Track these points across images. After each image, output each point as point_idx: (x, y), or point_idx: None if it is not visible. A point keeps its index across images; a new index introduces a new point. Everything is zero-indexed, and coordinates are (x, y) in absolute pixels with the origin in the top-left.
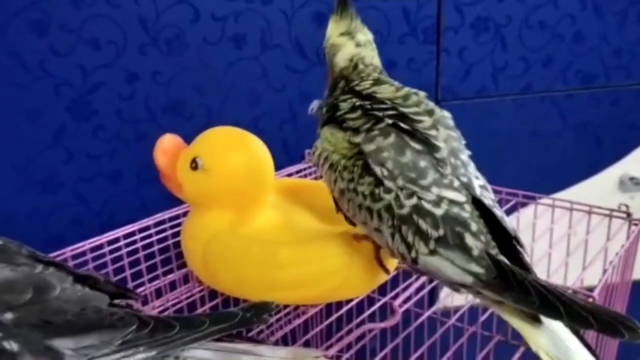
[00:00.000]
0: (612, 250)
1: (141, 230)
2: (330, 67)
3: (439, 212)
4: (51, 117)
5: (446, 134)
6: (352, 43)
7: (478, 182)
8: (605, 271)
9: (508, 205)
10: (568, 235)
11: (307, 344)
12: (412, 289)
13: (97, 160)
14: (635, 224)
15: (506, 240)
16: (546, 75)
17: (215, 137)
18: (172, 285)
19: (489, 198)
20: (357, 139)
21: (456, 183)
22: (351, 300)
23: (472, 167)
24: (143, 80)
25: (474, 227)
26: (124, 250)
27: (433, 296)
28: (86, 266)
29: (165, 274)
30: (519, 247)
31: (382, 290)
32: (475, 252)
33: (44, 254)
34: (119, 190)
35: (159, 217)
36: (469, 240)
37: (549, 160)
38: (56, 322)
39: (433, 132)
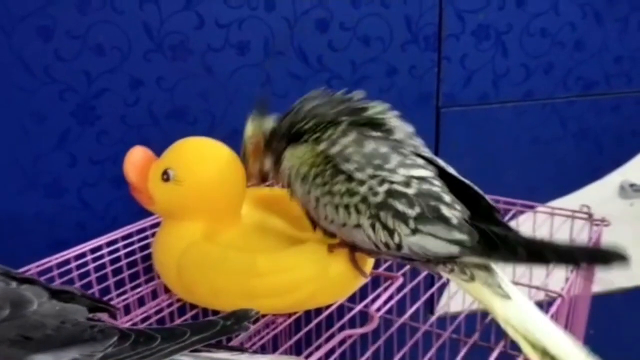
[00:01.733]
0: None
1: (109, 244)
2: (256, 152)
3: (411, 191)
4: (56, 122)
5: (398, 122)
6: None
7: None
8: (570, 275)
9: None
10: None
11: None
12: (386, 294)
13: (101, 165)
14: (597, 224)
15: (479, 206)
16: (547, 82)
17: (186, 148)
18: (141, 301)
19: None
20: (321, 147)
21: (419, 161)
22: (326, 308)
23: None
24: (147, 86)
25: (447, 198)
26: (91, 266)
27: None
28: (53, 282)
29: (133, 288)
30: (493, 211)
31: (355, 297)
32: (455, 221)
33: (16, 271)
34: (123, 195)
35: (127, 230)
36: (446, 211)
37: (550, 167)
38: (36, 337)
39: (386, 116)
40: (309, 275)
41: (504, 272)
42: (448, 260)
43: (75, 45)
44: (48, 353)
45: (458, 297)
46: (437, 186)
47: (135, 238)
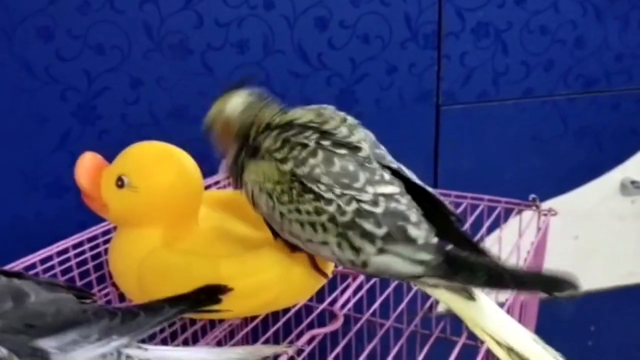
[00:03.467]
0: (525, 245)
1: (75, 247)
2: (223, 135)
3: (378, 210)
4: (57, 122)
5: (363, 134)
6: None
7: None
8: (524, 259)
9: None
10: (482, 232)
11: None
12: (349, 292)
13: None
14: (545, 214)
15: (443, 216)
16: (547, 80)
17: (140, 153)
18: (108, 303)
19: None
20: (287, 167)
21: (387, 176)
22: (290, 309)
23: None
24: (147, 85)
25: (413, 217)
26: (58, 269)
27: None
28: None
29: (100, 291)
30: (456, 223)
31: (318, 297)
32: (421, 241)
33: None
34: None
35: (93, 231)
36: (412, 231)
37: (550, 165)
38: (38, 325)
39: (352, 138)
40: (272, 278)
41: None
42: (411, 278)
43: (76, 45)
44: (51, 337)
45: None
46: (404, 204)
47: (86, 246)
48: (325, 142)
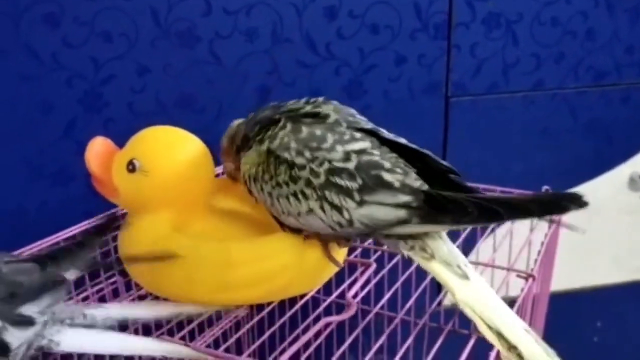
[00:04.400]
0: (536, 238)
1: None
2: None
3: (351, 165)
4: (63, 110)
5: (332, 106)
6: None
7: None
8: (537, 257)
9: None
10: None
11: (262, 346)
12: (361, 281)
13: None
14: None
15: (438, 173)
16: (557, 72)
17: (152, 138)
18: (115, 292)
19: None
20: (264, 146)
21: (357, 134)
22: (300, 298)
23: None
24: (154, 73)
25: (387, 164)
26: None
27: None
28: None
29: (107, 279)
30: (449, 174)
31: (326, 290)
32: (397, 184)
33: None
34: None
35: (100, 219)
36: (387, 176)
37: (559, 158)
38: (19, 292)
39: (318, 110)
40: (284, 264)
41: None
42: (399, 224)
43: (83, 31)
44: (31, 303)
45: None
46: (377, 155)
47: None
48: (294, 114)
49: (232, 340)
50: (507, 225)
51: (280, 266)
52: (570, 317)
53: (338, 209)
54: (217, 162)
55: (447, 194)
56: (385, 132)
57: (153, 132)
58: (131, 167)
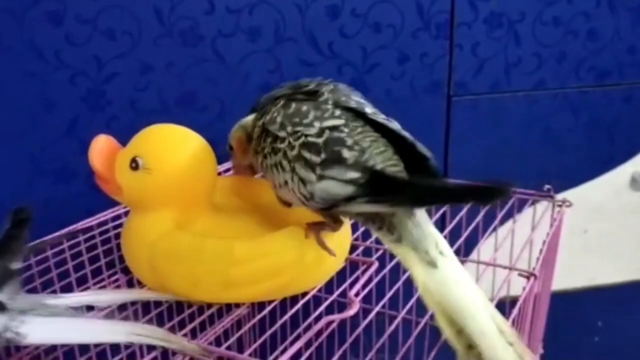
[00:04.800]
0: (538, 237)
1: (85, 231)
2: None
3: (321, 140)
4: (66, 107)
5: (332, 87)
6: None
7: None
8: (539, 256)
9: None
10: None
11: (263, 345)
12: (360, 283)
13: None
14: (559, 205)
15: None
16: (559, 72)
17: (155, 135)
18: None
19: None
20: (260, 122)
21: (337, 112)
22: (302, 297)
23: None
24: (157, 71)
25: (349, 141)
26: (68, 253)
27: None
28: (30, 270)
29: (110, 277)
30: (427, 163)
31: (328, 288)
32: (351, 161)
33: None
34: None
35: (102, 217)
36: (346, 153)
37: (561, 157)
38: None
39: (316, 88)
40: (287, 261)
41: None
42: (347, 201)
43: (86, 29)
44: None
45: None
46: (345, 132)
47: (96, 231)
48: (294, 92)
49: (233, 338)
50: (508, 225)
51: (282, 264)
52: (572, 317)
53: (303, 182)
54: (219, 161)
55: (393, 175)
56: (378, 115)
57: (156, 130)
58: (134, 164)
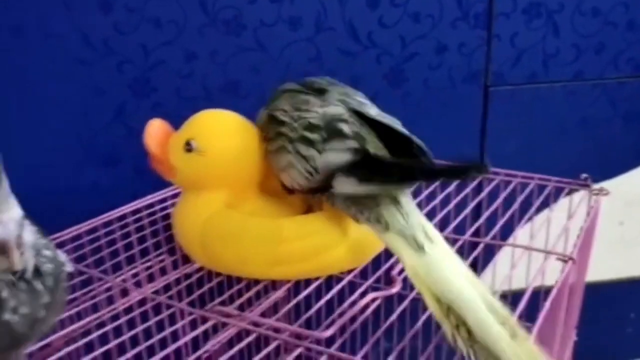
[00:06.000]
0: (574, 226)
1: (133, 213)
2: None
3: (322, 123)
4: (113, 94)
5: (340, 86)
6: None
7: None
8: (577, 241)
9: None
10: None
11: (308, 321)
12: (398, 268)
13: None
14: (596, 194)
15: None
16: (597, 63)
17: (208, 120)
18: (163, 270)
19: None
20: (267, 110)
21: (338, 103)
22: (331, 287)
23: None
24: (201, 59)
25: (349, 120)
26: (118, 233)
27: None
28: (82, 249)
29: (156, 257)
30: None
31: (363, 275)
32: (350, 133)
33: None
34: None
35: (150, 199)
36: (344, 127)
37: (598, 148)
38: None
39: (323, 86)
40: (332, 239)
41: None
42: (346, 192)
43: (134, 18)
44: None
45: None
46: (345, 116)
47: (157, 207)
48: (299, 89)
49: (280, 313)
50: (545, 213)
51: (328, 242)
52: (605, 308)
53: (307, 159)
54: None
55: (382, 156)
56: (379, 116)
57: (210, 115)
58: (188, 147)
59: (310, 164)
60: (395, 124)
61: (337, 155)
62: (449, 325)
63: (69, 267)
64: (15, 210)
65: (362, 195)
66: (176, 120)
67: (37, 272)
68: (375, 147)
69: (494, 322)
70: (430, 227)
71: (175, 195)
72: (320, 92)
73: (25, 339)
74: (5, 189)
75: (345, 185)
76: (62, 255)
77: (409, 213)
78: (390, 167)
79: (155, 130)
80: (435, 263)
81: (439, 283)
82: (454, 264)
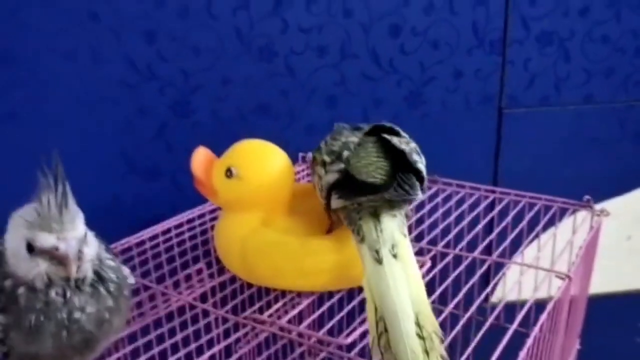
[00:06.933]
0: (577, 243)
1: (177, 227)
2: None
3: (338, 149)
4: (155, 114)
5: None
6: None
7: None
8: (575, 259)
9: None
10: (538, 229)
11: (331, 330)
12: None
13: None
14: (598, 215)
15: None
16: (607, 87)
17: (247, 149)
18: (201, 281)
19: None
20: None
21: (358, 134)
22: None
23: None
24: (236, 84)
25: (352, 146)
26: (162, 247)
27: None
28: (132, 261)
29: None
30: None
31: None
32: (344, 157)
33: None
34: None
35: (189, 215)
36: (345, 152)
37: (607, 168)
38: None
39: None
40: (354, 255)
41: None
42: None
43: (175, 46)
44: None
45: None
46: (353, 141)
47: (197, 222)
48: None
49: (309, 320)
50: (551, 231)
51: (349, 257)
52: (613, 318)
53: (320, 179)
54: None
55: (358, 178)
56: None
57: (249, 145)
58: (229, 173)
59: (322, 183)
60: (403, 145)
61: (332, 175)
62: (375, 331)
63: (132, 280)
64: (79, 229)
65: (351, 210)
66: (213, 140)
67: (101, 279)
68: (373, 168)
69: (413, 336)
70: (403, 245)
71: (213, 211)
72: (359, 129)
73: (94, 339)
74: (71, 212)
75: (333, 202)
76: (126, 270)
77: (385, 229)
78: (360, 185)
79: (200, 157)
80: (385, 277)
81: (379, 294)
82: (402, 281)
